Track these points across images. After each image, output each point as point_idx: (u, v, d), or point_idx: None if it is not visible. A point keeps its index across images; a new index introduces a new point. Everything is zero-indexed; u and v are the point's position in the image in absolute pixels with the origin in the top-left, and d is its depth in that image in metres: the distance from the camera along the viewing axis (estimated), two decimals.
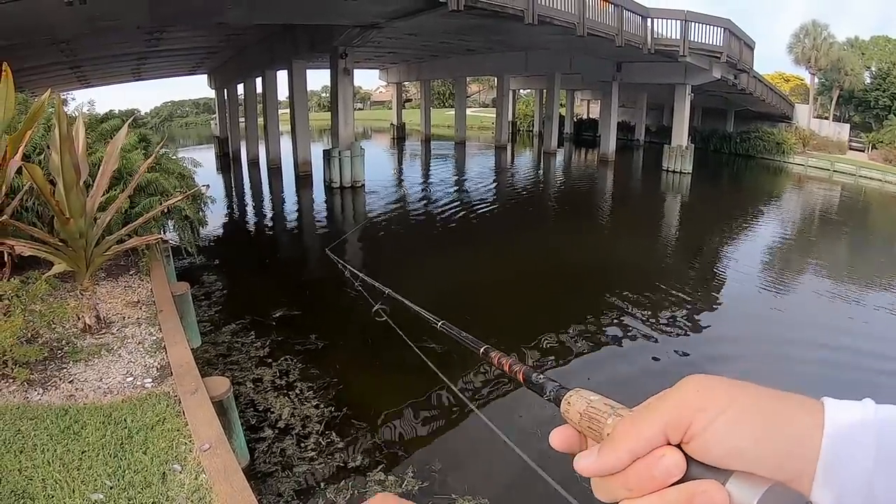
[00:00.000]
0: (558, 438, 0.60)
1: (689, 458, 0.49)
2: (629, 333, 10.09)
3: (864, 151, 39.07)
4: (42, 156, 8.13)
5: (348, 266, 3.23)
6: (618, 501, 0.52)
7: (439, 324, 1.37)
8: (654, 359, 9.30)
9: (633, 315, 10.81)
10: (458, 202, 23.70)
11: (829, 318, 11.56)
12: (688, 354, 9.48)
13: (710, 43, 27.78)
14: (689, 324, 10.63)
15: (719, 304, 12.15)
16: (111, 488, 3.95)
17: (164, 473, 4.12)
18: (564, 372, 8.64)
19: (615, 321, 10.58)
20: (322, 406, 7.32)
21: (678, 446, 0.49)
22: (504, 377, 7.89)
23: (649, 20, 25.80)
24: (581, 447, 0.59)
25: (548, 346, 9.38)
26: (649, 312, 10.96)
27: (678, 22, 26.53)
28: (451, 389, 7.43)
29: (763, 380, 0.50)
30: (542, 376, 0.73)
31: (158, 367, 5.87)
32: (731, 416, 0.48)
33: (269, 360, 8.57)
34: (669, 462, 0.48)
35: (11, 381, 5.38)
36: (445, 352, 6.76)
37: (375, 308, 2.29)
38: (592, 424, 0.57)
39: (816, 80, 45.28)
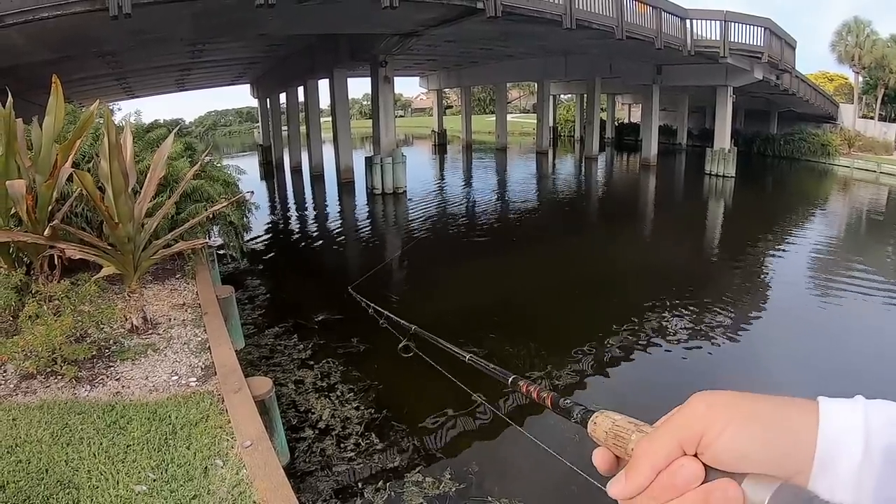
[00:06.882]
0: (600, 459, 0.65)
1: (706, 467, 0.53)
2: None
3: None
4: (91, 164, 8.40)
5: (372, 305, 3.26)
6: None
7: (467, 357, 1.40)
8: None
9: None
10: (500, 209, 23.68)
11: None
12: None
13: (751, 43, 27.19)
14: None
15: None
16: (154, 481, 4.05)
17: (206, 468, 4.21)
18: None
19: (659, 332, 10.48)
20: (362, 408, 7.38)
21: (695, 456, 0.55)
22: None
23: (688, 21, 25.37)
24: (619, 466, 0.64)
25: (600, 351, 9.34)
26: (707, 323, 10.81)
27: (718, 23, 26.04)
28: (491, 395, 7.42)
29: None
30: (568, 401, 0.79)
31: (203, 366, 6.00)
32: (737, 425, 0.53)
33: (311, 363, 8.69)
34: (688, 471, 0.54)
35: (60, 377, 5.57)
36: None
37: (402, 345, 2.31)
38: (618, 441, 0.63)
39: (861, 78, 43.75)
